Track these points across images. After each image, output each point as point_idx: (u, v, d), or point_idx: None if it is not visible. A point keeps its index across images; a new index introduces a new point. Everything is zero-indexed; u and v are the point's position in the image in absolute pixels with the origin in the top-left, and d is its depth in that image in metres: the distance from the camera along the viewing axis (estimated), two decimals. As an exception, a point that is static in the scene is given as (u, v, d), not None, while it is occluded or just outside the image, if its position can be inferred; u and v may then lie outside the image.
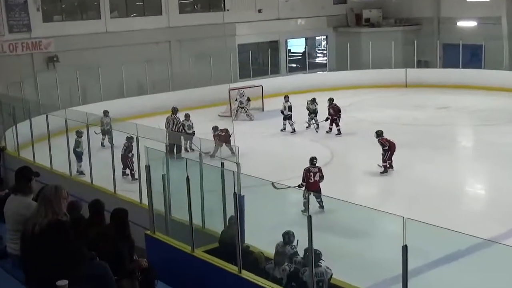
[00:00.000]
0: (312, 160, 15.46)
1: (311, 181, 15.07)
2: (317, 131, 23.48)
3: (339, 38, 37.44)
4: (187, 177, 9.58)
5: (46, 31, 27.76)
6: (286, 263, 9.32)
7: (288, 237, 9.99)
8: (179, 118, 21.27)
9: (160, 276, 8.26)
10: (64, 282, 5.52)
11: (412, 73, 33.03)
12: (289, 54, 37.86)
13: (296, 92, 30.58)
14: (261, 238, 12.00)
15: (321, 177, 15.23)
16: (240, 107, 26.71)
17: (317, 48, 42.13)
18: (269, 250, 10.11)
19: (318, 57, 41.38)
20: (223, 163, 11.25)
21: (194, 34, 31.41)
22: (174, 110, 21.48)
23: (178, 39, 31.54)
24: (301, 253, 9.51)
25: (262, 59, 36.29)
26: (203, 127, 22.31)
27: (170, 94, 28.94)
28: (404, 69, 33.24)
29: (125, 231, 7.63)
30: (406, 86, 32.94)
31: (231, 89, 27.66)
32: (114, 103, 25.80)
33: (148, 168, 10.73)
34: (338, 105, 23.48)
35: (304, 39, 38.83)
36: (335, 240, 12.54)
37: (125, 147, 17.87)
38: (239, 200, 9.06)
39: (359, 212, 9.58)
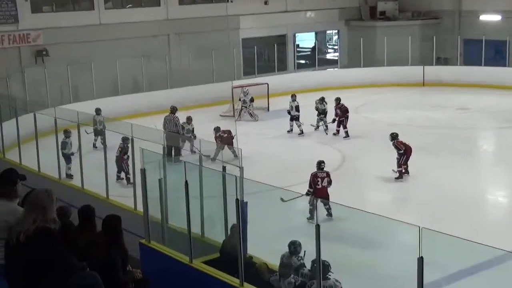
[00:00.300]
0: (320, 164, 15.47)
1: (319, 186, 15.09)
2: (326, 133, 23.51)
3: (351, 33, 37.43)
4: (186, 181, 9.57)
5: (35, 23, 27.80)
6: (292, 276, 9.31)
7: (294, 247, 9.98)
8: (178, 118, 21.28)
9: (155, 288, 8.27)
10: (51, 293, 5.53)
11: (430, 71, 33.04)
12: (298, 49, 37.84)
13: (305, 91, 30.61)
14: (265, 248, 12.01)
15: (329, 183, 15.25)
16: (243, 106, 26.73)
17: (327, 43, 42.12)
18: (274, 261, 10.10)
19: (328, 53, 41.36)
20: (225, 166, 11.26)
21: (194, 27, 31.45)
22: (173, 109, 21.49)
23: (177, 33, 31.57)
24: (308, 265, 9.50)
25: (268, 54, 36.30)
26: (203, 128, 22.33)
27: (168, 91, 28.97)
28: (422, 66, 33.24)
29: (118, 240, 7.63)
30: (423, 85, 32.94)
31: (234, 87, 27.67)
32: (107, 101, 25.84)
33: (143, 171, 10.72)
34: (345, 105, 23.47)
35: (313, 33, 38.80)
36: (345, 250, 12.53)
37: (120, 149, 17.89)
38: (241, 207, 9.05)
39: (371, 221, 9.58)
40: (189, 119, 21.47)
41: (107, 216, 7.89)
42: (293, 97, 24.22)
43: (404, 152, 18.12)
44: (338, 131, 23.38)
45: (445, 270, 11.09)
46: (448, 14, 35.72)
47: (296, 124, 23.82)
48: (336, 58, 38.02)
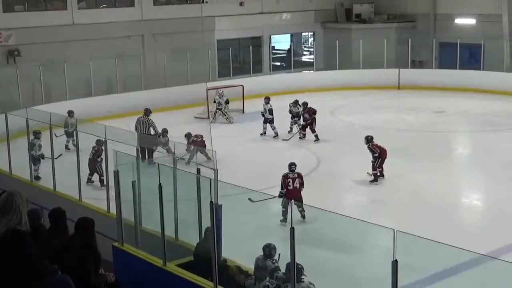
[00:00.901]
0: (291, 166, 15.50)
1: (290, 187, 15.11)
2: (300, 137, 23.46)
3: (327, 35, 37.58)
4: (160, 184, 9.55)
5: (7, 22, 27.56)
6: (267, 279, 9.32)
7: (268, 250, 9.98)
8: (152, 120, 21.17)
9: (129, 292, 8.23)
10: (22, 297, 5.49)
11: (405, 74, 33.25)
12: (273, 51, 37.89)
13: (280, 93, 30.68)
14: (239, 251, 12.01)
15: (302, 184, 15.29)
16: (218, 108, 26.71)
17: (303, 45, 42.22)
18: (248, 264, 10.11)
19: (304, 55, 41.48)
20: (199, 169, 11.25)
21: (169, 28, 31.37)
22: (147, 111, 21.39)
23: (152, 33, 31.49)
24: (282, 268, 9.51)
25: (243, 56, 36.30)
26: (178, 130, 22.28)
27: (142, 93, 28.87)
28: (397, 69, 33.44)
29: (90, 243, 7.58)
30: (399, 88, 33.15)
31: (209, 89, 27.64)
32: (80, 102, 25.70)
33: (116, 173, 10.67)
34: (313, 108, 23.48)
35: (289, 35, 38.89)
36: (319, 253, 12.56)
37: (93, 151, 17.79)
38: (216, 210, 9.04)
39: (346, 224, 9.59)
40: (164, 131, 20.69)
41: (80, 219, 7.84)
42: (267, 99, 24.18)
43: (379, 155, 18.21)
44: (304, 135, 23.36)
45: (420, 273, 11.15)
46: (423, 17, 36.01)
47: (271, 126, 23.82)
48: (312, 60, 38.15)
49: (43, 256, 6.25)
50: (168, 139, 19.97)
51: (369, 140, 18.57)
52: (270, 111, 23.82)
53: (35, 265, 5.96)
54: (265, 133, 23.97)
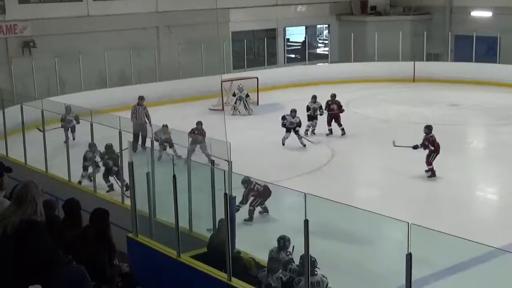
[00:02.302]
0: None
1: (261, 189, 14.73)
2: (327, 134, 22.85)
3: (342, 27, 37.48)
4: (174, 175, 9.58)
5: (22, 14, 27.67)
6: (280, 271, 9.34)
7: (283, 242, 10.00)
8: (145, 108, 21.44)
9: (143, 282, 8.27)
10: (37, 287, 5.52)
11: (420, 67, 33.13)
12: (288, 43, 37.80)
13: (295, 85, 30.69)
14: (253, 243, 12.04)
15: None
16: (239, 99, 26.59)
17: (318, 38, 42.16)
18: (261, 256, 10.13)
19: (319, 47, 41.42)
20: (213, 160, 11.26)
21: (184, 19, 31.37)
22: (140, 99, 21.64)
23: (166, 25, 31.50)
24: (296, 260, 9.53)
25: (258, 48, 36.27)
26: (192, 121, 22.30)
27: (157, 84, 28.91)
28: (412, 62, 33.33)
29: (105, 234, 7.61)
30: (414, 81, 33.03)
31: (223, 81, 27.66)
32: (95, 94, 25.78)
33: (131, 165, 10.71)
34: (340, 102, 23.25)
35: (304, 27, 38.84)
36: (333, 246, 12.56)
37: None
38: (230, 202, 9.06)
39: (360, 217, 9.61)
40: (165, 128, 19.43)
41: (95, 210, 7.87)
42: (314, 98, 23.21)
43: (435, 149, 17.96)
44: (331, 130, 22.84)
45: (434, 267, 11.14)
46: (439, 9, 35.82)
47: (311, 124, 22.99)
48: (327, 52, 38.02)
49: (57, 246, 6.29)
50: (170, 134, 18.89)
51: (430, 130, 18.28)
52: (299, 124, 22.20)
53: (50, 255, 5.99)
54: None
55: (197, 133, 19.30)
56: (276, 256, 9.84)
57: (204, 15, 31.12)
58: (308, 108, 22.97)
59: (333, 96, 23.25)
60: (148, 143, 11.89)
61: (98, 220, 7.69)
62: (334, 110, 22.87)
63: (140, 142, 19.01)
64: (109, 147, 16.14)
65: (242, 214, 14.32)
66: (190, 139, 17.36)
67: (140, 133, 19.16)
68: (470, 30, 32.50)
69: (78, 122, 19.59)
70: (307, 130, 22.63)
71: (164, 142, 18.42)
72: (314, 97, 23.23)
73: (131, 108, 21.78)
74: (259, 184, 14.45)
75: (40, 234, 5.95)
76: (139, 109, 21.43)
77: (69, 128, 19.56)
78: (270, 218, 14.71)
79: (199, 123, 19.72)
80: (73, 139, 19.64)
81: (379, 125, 24.13)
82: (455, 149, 20.89)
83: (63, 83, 27.29)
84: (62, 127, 19.94)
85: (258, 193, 14.57)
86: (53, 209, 8.19)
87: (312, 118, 22.75)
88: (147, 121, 20.88)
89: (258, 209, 14.85)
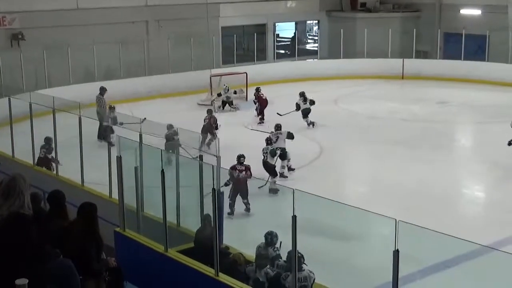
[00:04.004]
0: (239, 158, 15.27)
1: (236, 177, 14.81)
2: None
3: (332, 24, 37.49)
4: (162, 170, 9.57)
5: (11, 6, 27.53)
6: (268, 266, 9.36)
7: (270, 238, 10.02)
8: (104, 99, 21.96)
9: (130, 277, 8.26)
10: (24, 281, 5.50)
11: (409, 64, 33.20)
12: (277, 39, 37.86)
13: (284, 81, 30.68)
14: (241, 238, 12.05)
15: (249, 176, 15.02)
16: (227, 102, 26.57)
17: (307, 34, 42.18)
18: (249, 251, 10.14)
19: (308, 43, 41.43)
20: (202, 155, 11.25)
21: (174, 14, 31.29)
22: (102, 90, 22.24)
23: (156, 19, 31.41)
24: (283, 256, 9.55)
25: (248, 43, 36.26)
26: (181, 116, 22.32)
27: (146, 79, 28.85)
28: (401, 59, 33.37)
29: (93, 228, 7.60)
30: (402, 78, 33.11)
31: (212, 76, 27.65)
32: (83, 87, 25.68)
33: (119, 159, 10.68)
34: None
35: (293, 23, 38.83)
36: (321, 242, 12.59)
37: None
38: (217, 197, 9.06)
39: (348, 213, 9.63)
40: (112, 108, 21.03)
41: (83, 204, 7.85)
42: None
43: None
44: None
45: (421, 263, 11.18)
46: (428, 7, 35.88)
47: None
48: (316, 48, 38.04)
49: (45, 239, 6.28)
50: (116, 116, 19.91)
51: None
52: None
53: (37, 249, 5.99)
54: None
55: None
56: (264, 251, 9.86)
57: (194, 9, 31.14)
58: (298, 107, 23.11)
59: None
60: (132, 137, 11.81)
61: (86, 214, 7.67)
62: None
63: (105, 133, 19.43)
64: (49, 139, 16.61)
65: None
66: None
67: (102, 123, 19.59)
68: (459, 28, 32.59)
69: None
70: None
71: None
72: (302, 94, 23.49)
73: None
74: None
75: (27, 228, 5.94)
76: (99, 99, 21.99)
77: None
78: (258, 213, 14.70)
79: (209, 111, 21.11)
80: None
81: (367, 121, 24.18)
82: (443, 147, 20.99)
83: (52, 76, 27.16)
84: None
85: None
86: (39, 202, 8.16)
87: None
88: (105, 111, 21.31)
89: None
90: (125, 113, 16.89)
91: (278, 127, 18.13)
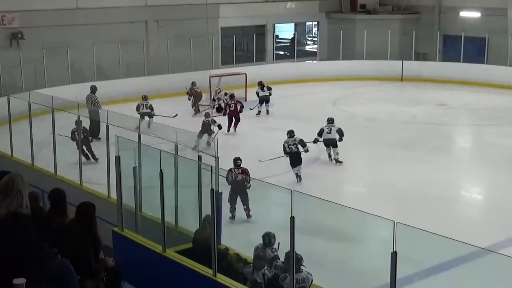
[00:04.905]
0: (236, 161, 15.11)
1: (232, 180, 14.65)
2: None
3: (331, 25, 37.50)
4: (161, 170, 9.56)
5: (10, 5, 27.51)
6: (265, 267, 9.35)
7: (268, 239, 10.01)
8: (96, 97, 22.14)
9: (128, 277, 8.25)
10: (21, 280, 5.49)
11: (409, 66, 33.23)
12: (277, 40, 37.87)
13: (283, 82, 30.67)
14: (239, 239, 12.04)
15: (247, 181, 14.69)
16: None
17: (307, 35, 42.21)
18: (247, 252, 10.14)
19: (308, 44, 41.46)
20: (200, 156, 11.25)
21: (173, 14, 31.30)
22: (93, 89, 22.42)
23: (156, 19, 31.40)
24: (281, 257, 9.54)
25: (247, 44, 36.24)
26: (179, 116, 22.31)
27: (145, 79, 28.84)
28: (401, 61, 33.41)
29: (91, 228, 7.59)
30: (402, 80, 33.12)
31: (212, 76, 27.63)
32: (82, 87, 25.63)
33: (118, 159, 10.68)
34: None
35: (293, 24, 38.84)
36: (319, 243, 12.59)
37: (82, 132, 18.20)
38: (216, 197, 9.06)
39: (346, 214, 9.63)
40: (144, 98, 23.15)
41: (81, 204, 7.84)
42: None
43: None
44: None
45: (419, 265, 11.18)
46: (428, 9, 35.92)
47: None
48: (315, 50, 38.07)
49: (43, 239, 6.27)
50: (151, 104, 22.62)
51: None
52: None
53: (35, 248, 5.97)
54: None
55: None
56: (262, 252, 9.85)
57: (193, 10, 31.13)
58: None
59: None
60: (131, 137, 11.80)
61: (84, 214, 7.66)
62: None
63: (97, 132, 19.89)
64: None
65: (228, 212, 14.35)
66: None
67: (94, 122, 19.84)
68: (459, 31, 32.62)
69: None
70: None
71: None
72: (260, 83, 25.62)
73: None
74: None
75: (25, 227, 5.92)
76: (89, 98, 22.14)
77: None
78: (256, 214, 14.68)
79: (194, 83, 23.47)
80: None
81: (366, 123, 24.19)
82: (442, 149, 21.00)
83: (51, 75, 27.12)
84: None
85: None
86: (38, 201, 8.15)
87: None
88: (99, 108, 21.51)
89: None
90: (123, 113, 16.84)
91: (331, 120, 19.53)
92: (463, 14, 34.47)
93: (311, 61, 36.73)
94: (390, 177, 17.94)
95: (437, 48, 34.07)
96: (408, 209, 15.01)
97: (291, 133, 17.88)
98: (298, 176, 17.45)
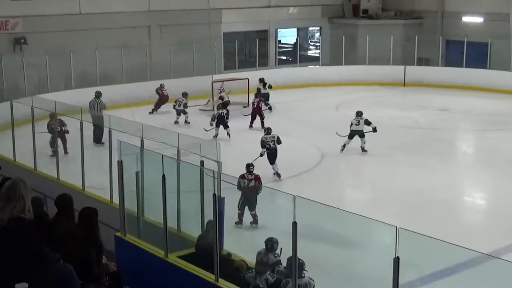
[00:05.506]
0: (249, 167, 15.04)
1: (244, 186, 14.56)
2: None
3: (334, 30, 37.50)
4: (163, 175, 9.57)
5: (14, 10, 27.55)
6: (268, 272, 9.35)
7: (271, 244, 10.01)
8: (102, 102, 22.16)
9: (130, 282, 8.25)
10: (24, 285, 5.50)
11: (411, 71, 33.19)
12: (279, 45, 37.86)
13: (286, 87, 30.67)
14: (241, 244, 12.03)
15: (259, 187, 14.65)
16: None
17: (309, 40, 42.21)
18: (250, 257, 10.13)
19: (310, 50, 41.46)
20: (203, 161, 11.25)
21: (176, 19, 31.32)
22: (98, 94, 22.41)
23: (158, 24, 31.43)
24: (284, 262, 9.54)
25: (249, 49, 36.27)
26: (181, 121, 22.31)
27: (148, 83, 28.85)
28: (403, 66, 33.38)
29: (93, 233, 7.59)
30: (404, 85, 33.09)
31: (214, 81, 27.65)
32: (86, 92, 25.67)
33: (120, 164, 10.69)
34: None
35: (295, 29, 38.86)
36: (321, 249, 12.58)
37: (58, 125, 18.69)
38: (218, 202, 9.06)
39: (348, 220, 9.63)
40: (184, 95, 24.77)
41: (84, 209, 7.85)
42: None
43: None
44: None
45: (421, 271, 11.17)
46: (430, 14, 35.90)
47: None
48: (318, 55, 38.10)
49: (46, 244, 6.27)
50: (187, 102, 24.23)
51: None
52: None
53: (38, 253, 5.98)
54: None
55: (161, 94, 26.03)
56: (264, 258, 9.84)
57: (196, 15, 31.20)
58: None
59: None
60: (134, 141, 11.81)
61: (87, 219, 7.67)
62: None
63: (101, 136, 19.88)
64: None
65: (233, 217, 14.30)
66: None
67: (98, 127, 19.91)
68: (461, 36, 32.62)
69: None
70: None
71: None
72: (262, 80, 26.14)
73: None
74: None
75: (28, 232, 5.93)
76: (94, 104, 22.10)
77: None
78: (261, 220, 14.65)
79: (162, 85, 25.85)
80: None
81: (368, 128, 24.14)
82: (445, 154, 20.97)
83: (54, 80, 27.17)
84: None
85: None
86: (41, 206, 8.16)
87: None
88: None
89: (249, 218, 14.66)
90: (126, 118, 16.88)
91: (360, 113, 20.86)
92: (466, 19, 34.46)
93: (313, 66, 36.72)
94: (392, 182, 17.92)
95: (439, 53, 34.06)
96: (411, 214, 14.99)
97: (268, 130, 18.36)
98: (278, 174, 17.70)
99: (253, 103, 24.27)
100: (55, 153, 17.78)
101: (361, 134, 20.58)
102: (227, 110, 22.74)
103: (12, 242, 5.85)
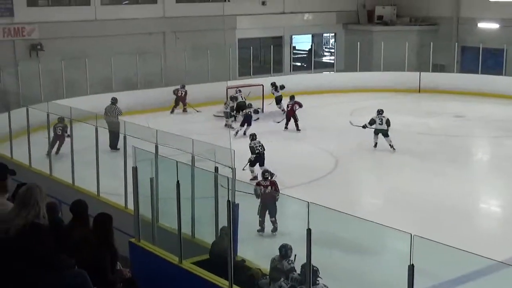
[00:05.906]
0: (264, 174, 15.15)
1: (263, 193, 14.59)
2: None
3: (348, 36, 37.46)
4: (178, 181, 9.57)
5: (30, 16, 27.75)
6: (282, 279, 9.32)
7: (285, 250, 9.99)
8: (119, 109, 22.53)
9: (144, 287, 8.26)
10: (39, 291, 5.51)
11: (426, 77, 33.09)
12: (294, 51, 37.87)
13: (300, 93, 30.60)
14: (256, 250, 12.01)
15: (276, 192, 14.71)
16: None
17: (324, 46, 42.21)
18: (263, 264, 10.11)
19: (325, 56, 41.45)
20: (217, 167, 11.25)
21: (191, 25, 31.43)
22: (114, 100, 22.74)
23: (173, 31, 31.54)
24: (298, 269, 9.51)
25: (264, 56, 36.28)
26: (196, 127, 22.34)
27: (163, 90, 28.93)
28: (418, 72, 33.28)
29: (108, 239, 7.61)
30: (419, 91, 32.99)
31: (229, 87, 27.68)
32: (101, 98, 25.78)
33: (135, 170, 10.71)
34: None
35: (310, 35, 38.87)
36: (335, 256, 12.54)
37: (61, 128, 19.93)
38: (232, 209, 9.05)
39: (363, 227, 9.58)
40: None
41: (98, 215, 7.87)
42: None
43: None
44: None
45: (436, 279, 11.10)
46: (446, 20, 35.78)
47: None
48: (333, 61, 38.06)
49: (61, 250, 6.28)
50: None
51: None
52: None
53: (52, 259, 5.98)
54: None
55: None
56: (278, 264, 9.82)
57: (211, 21, 31.26)
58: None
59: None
60: (148, 148, 11.84)
61: (101, 225, 7.69)
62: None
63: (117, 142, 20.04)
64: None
65: (253, 225, 14.27)
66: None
67: (113, 133, 20.07)
68: (477, 42, 32.49)
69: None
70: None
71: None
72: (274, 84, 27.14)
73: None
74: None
75: (42, 238, 5.94)
76: (111, 110, 22.48)
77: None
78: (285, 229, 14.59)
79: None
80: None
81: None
82: (459, 161, 20.89)
83: (70, 86, 27.31)
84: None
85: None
86: (56, 212, 8.19)
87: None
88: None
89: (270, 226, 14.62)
90: (140, 124, 16.95)
91: (381, 111, 21.86)
92: (481, 25, 34.32)
93: (328, 72, 36.70)
94: (407, 189, 17.85)
95: (455, 60, 33.89)
96: (425, 221, 14.92)
97: (253, 136, 19.07)
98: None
99: (287, 106, 25.16)
100: (49, 154, 18.13)
101: (385, 133, 21.30)
102: (257, 110, 24.64)
103: (27, 248, 5.86)
